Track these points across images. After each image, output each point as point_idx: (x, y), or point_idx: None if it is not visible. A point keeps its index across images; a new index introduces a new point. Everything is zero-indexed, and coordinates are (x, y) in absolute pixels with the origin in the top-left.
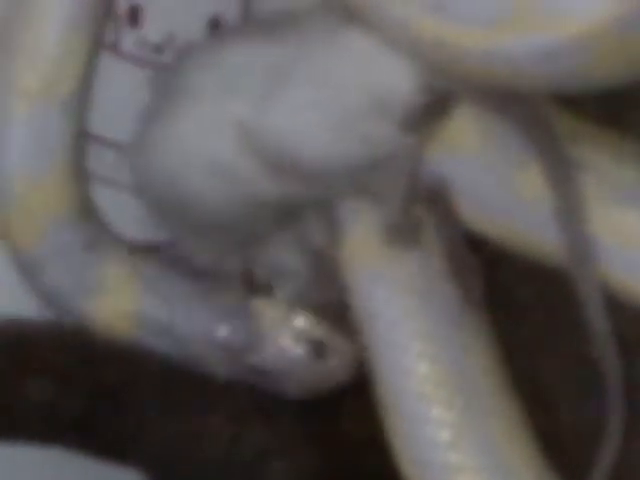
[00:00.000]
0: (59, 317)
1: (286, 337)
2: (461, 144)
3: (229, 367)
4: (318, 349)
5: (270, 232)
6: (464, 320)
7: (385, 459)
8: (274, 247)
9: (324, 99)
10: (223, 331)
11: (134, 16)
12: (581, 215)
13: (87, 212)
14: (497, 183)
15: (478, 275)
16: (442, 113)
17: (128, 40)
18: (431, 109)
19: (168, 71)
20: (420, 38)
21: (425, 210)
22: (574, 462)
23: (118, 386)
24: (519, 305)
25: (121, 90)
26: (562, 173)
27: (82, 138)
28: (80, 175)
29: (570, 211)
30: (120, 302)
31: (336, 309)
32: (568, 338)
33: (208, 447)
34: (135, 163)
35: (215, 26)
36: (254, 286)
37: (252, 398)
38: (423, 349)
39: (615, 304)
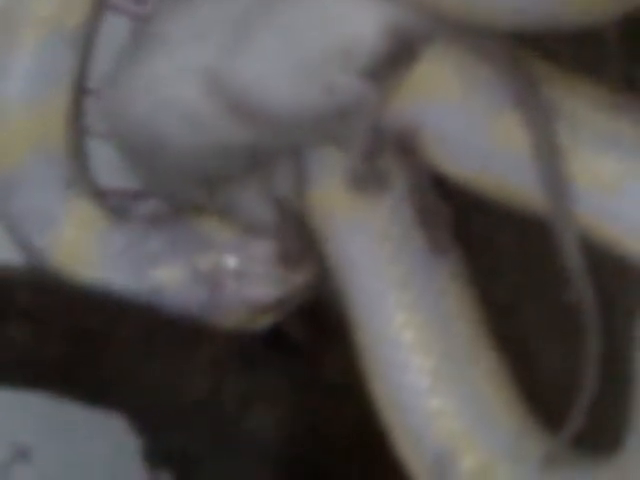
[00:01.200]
0: (20, 249)
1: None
2: (437, 92)
3: (188, 279)
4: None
5: (239, 178)
6: (441, 265)
7: (367, 407)
8: (242, 193)
9: (288, 47)
10: (182, 243)
11: None
12: (558, 158)
13: (75, 149)
14: (473, 130)
15: (448, 223)
16: (407, 61)
17: None
18: (396, 56)
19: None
20: None
21: (393, 158)
22: (553, 409)
23: (100, 331)
24: (498, 253)
25: (100, 39)
26: (540, 115)
27: (84, 76)
28: (77, 111)
29: (548, 154)
30: (81, 235)
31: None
32: (549, 285)
33: (190, 392)
34: (108, 107)
35: None
36: None
37: (234, 345)
38: (401, 297)
39: (593, 251)
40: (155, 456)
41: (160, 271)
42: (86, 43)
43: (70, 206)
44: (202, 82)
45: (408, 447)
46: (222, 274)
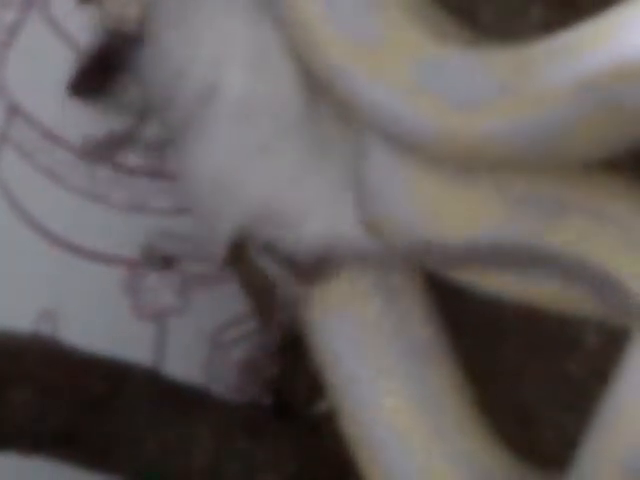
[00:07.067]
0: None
1: None
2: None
3: None
4: None
5: None
6: (429, 354)
7: None
8: None
9: None
10: None
11: None
12: None
13: None
14: None
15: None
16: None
17: None
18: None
19: None
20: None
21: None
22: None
23: (103, 398)
24: (502, 325)
25: None
26: None
27: None
28: None
29: None
30: None
31: None
32: (551, 357)
33: (193, 459)
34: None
35: None
36: None
37: (237, 412)
38: (388, 384)
39: None
40: None
41: None
42: None
43: None
44: None
45: None
46: None
